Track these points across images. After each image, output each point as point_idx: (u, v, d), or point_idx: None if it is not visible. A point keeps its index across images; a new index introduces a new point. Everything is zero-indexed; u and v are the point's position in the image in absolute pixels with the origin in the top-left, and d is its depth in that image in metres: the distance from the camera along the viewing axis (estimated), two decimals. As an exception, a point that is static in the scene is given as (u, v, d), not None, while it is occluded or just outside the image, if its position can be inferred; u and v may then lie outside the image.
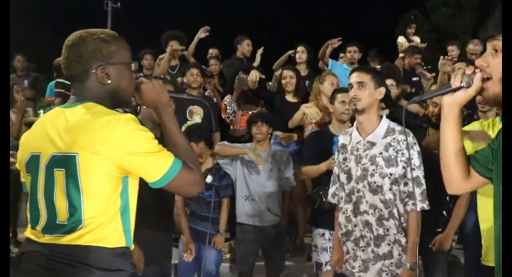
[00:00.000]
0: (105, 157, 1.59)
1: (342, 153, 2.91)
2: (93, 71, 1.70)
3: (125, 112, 1.90)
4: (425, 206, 2.71)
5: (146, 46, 6.51)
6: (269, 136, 4.17)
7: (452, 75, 1.55)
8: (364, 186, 2.74)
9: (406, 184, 2.69)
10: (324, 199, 3.31)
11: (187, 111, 4.81)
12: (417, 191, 2.69)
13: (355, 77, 2.78)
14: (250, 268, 4.05)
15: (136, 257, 2.72)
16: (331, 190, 2.99)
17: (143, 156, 1.62)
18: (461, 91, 1.52)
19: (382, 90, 2.79)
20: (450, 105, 1.55)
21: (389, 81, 5.21)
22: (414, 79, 6.19)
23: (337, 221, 2.91)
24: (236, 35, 6.31)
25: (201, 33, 6.20)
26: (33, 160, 1.71)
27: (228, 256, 4.70)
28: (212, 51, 6.77)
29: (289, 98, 5.00)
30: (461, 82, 1.50)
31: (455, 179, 1.60)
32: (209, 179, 3.91)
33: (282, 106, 4.94)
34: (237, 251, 4.16)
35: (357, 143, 2.80)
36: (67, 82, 5.45)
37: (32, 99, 6.77)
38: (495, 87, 1.43)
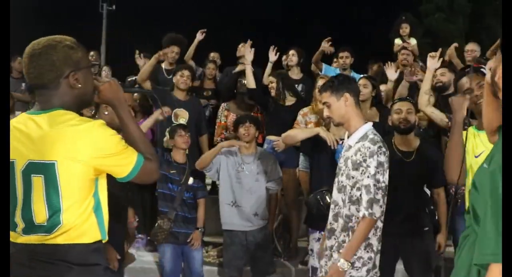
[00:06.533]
0: (84, 162, 1.73)
1: None
2: (65, 77, 1.79)
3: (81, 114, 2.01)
4: (367, 214, 2.64)
5: (141, 48, 6.42)
6: (256, 138, 4.20)
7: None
8: (334, 183, 2.89)
9: (358, 189, 2.71)
10: (322, 203, 3.31)
11: (172, 114, 4.73)
12: (365, 198, 2.67)
13: (321, 98, 2.95)
14: (239, 273, 4.04)
15: (110, 256, 2.98)
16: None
17: (116, 156, 1.79)
18: None
19: (347, 95, 2.82)
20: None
21: (383, 87, 5.25)
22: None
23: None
24: (231, 37, 6.24)
25: (199, 35, 6.27)
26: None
27: (220, 260, 4.69)
28: (214, 55, 6.77)
29: (282, 101, 4.98)
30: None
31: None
32: (191, 181, 4.01)
33: (275, 109, 4.94)
34: (225, 256, 4.16)
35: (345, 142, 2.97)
36: None
37: (29, 103, 6.69)
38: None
